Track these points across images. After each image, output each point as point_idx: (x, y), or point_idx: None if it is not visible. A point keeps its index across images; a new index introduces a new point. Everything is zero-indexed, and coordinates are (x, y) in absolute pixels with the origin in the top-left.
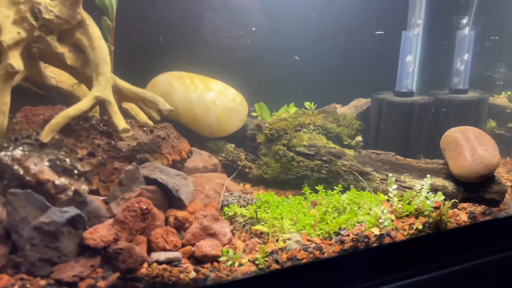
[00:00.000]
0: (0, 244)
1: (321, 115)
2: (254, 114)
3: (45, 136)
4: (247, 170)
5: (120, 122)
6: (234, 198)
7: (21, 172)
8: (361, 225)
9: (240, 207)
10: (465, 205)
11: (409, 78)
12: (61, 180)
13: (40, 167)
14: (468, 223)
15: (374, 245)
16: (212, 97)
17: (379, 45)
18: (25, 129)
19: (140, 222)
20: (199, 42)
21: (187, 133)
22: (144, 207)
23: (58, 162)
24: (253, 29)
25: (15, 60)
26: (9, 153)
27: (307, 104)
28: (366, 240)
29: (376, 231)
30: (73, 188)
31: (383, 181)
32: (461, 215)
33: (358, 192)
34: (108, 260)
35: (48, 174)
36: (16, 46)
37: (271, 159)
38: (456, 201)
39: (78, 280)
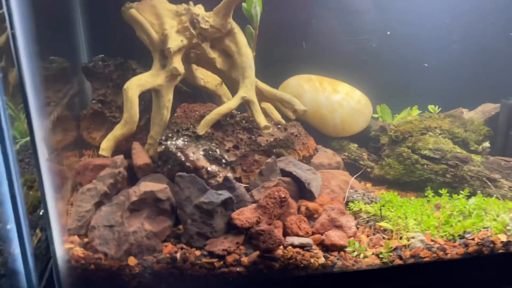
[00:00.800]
0: (166, 217)
1: (448, 119)
2: (375, 115)
3: (201, 129)
4: (368, 170)
5: (262, 120)
6: (358, 195)
7: (183, 158)
8: (487, 230)
9: (365, 204)
10: None
11: None
12: (212, 167)
13: (197, 155)
14: None
15: (500, 251)
16: (338, 99)
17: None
18: (184, 122)
19: (278, 209)
20: (328, 46)
21: (312, 132)
22: (283, 196)
23: (210, 152)
24: (388, 33)
25: (178, 64)
26: (173, 142)
27: (431, 107)
28: (491, 245)
29: (503, 237)
30: (221, 175)
31: None
32: None
33: (484, 198)
34: (250, 239)
35: (203, 162)
36: (179, 52)
37: (394, 161)
38: None
39: (226, 253)
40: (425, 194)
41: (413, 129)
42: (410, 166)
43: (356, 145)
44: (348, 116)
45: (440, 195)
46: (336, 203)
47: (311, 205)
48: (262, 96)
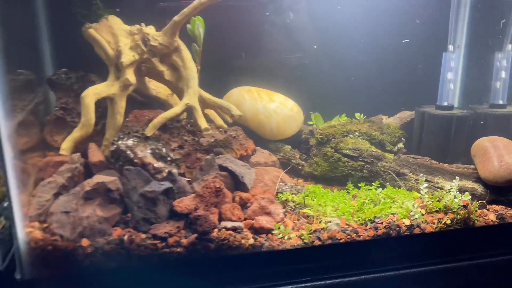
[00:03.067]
0: (116, 205)
1: (366, 123)
2: (310, 122)
3: (149, 131)
4: (300, 168)
5: (203, 123)
6: (287, 187)
7: (132, 156)
8: (394, 216)
9: (292, 194)
10: (497, 207)
11: (449, 94)
12: (158, 164)
13: (145, 153)
14: (496, 222)
15: (405, 233)
16: (274, 107)
17: (425, 64)
18: (134, 126)
19: (214, 197)
20: (267, 63)
21: (253, 136)
22: (217, 186)
23: (157, 151)
24: (315, 46)
25: (130, 76)
26: (124, 142)
27: (357, 115)
28: (397, 228)
29: (407, 222)
30: (167, 170)
31: (418, 182)
32: (490, 215)
33: (394, 189)
34: (189, 224)
35: (150, 159)
36: (131, 65)
37: (321, 159)
38: (484, 202)
39: (168, 236)
40: (347, 187)
41: (336, 132)
42: (334, 163)
43: (289, 147)
44: (282, 122)
45: (359, 187)
46: (268, 194)
47: (244, 195)
48: (205, 103)
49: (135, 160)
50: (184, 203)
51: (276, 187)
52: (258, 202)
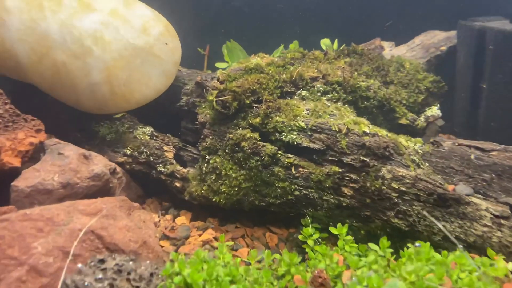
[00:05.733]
0: None
1: (344, 59)
2: (220, 65)
3: None
4: (178, 186)
5: None
6: (102, 274)
7: None
8: None
9: None
10: None
11: None
12: None
13: None
14: None
15: None
16: (94, 24)
17: None
18: None
19: None
20: None
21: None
22: None
23: None
24: None
25: None
26: None
27: (324, 41)
28: None
29: None
30: None
31: (498, 220)
32: None
33: (437, 256)
34: None
35: None
36: None
37: (227, 161)
38: None
39: None
40: (299, 236)
41: (262, 86)
42: (262, 173)
43: (150, 129)
44: (121, 65)
45: (335, 238)
46: None
47: None
48: None
49: None
50: None
51: (62, 276)
52: None
